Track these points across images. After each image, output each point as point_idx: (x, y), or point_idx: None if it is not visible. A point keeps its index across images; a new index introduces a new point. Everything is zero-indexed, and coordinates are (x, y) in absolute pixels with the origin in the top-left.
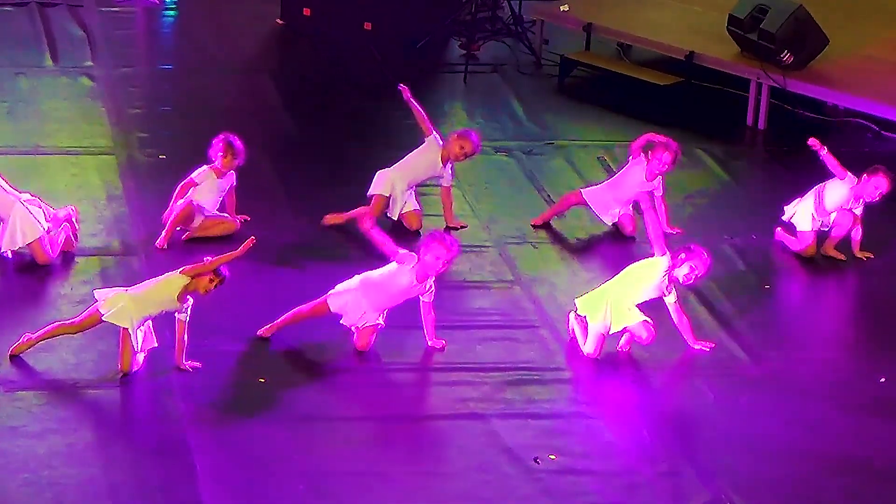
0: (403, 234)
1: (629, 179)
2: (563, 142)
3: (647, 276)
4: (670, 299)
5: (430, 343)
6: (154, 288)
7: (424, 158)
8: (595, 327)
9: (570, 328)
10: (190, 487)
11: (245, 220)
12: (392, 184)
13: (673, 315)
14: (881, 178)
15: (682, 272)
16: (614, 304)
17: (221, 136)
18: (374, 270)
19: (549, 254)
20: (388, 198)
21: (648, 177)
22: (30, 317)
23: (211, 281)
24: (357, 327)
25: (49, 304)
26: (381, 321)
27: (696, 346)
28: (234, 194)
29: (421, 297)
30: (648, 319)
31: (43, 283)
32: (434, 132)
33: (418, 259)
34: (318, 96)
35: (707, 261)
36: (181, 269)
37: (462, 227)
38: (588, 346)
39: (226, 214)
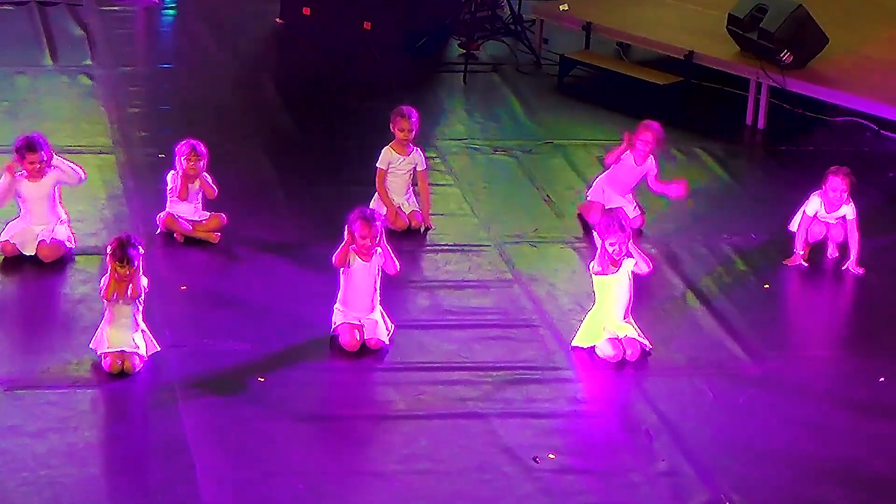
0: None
1: (623, 168)
2: (563, 141)
3: (610, 288)
4: (629, 266)
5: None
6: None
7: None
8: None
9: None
10: (190, 487)
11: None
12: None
13: (642, 268)
14: (832, 178)
15: (611, 253)
16: (591, 320)
17: (184, 142)
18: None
19: (548, 253)
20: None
21: (638, 161)
22: (29, 315)
23: (115, 269)
24: (339, 329)
25: (49, 302)
26: (385, 338)
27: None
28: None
29: (385, 271)
30: (637, 335)
31: (43, 281)
32: None
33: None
34: (317, 96)
35: (610, 217)
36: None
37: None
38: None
39: (205, 212)
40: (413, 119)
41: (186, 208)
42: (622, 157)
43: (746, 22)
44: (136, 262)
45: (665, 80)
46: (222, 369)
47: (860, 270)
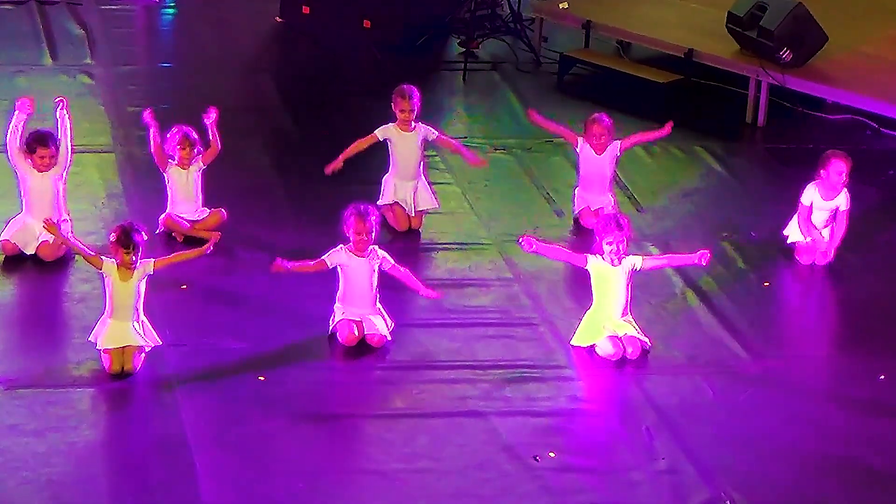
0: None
1: (588, 167)
2: (562, 139)
3: (608, 286)
4: (633, 263)
5: (422, 293)
6: (115, 301)
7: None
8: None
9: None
10: (190, 486)
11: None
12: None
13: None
14: (835, 161)
15: (609, 252)
16: (590, 319)
17: (175, 130)
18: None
19: None
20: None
21: (598, 151)
22: (29, 315)
23: (122, 256)
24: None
25: (49, 302)
26: (386, 333)
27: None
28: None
29: (383, 270)
30: (637, 333)
31: (43, 281)
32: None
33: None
34: (317, 94)
35: (606, 217)
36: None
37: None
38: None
39: (205, 209)
40: (414, 99)
41: (186, 207)
42: (582, 158)
43: (746, 20)
44: (140, 248)
45: (665, 79)
46: (222, 368)
47: (831, 258)
